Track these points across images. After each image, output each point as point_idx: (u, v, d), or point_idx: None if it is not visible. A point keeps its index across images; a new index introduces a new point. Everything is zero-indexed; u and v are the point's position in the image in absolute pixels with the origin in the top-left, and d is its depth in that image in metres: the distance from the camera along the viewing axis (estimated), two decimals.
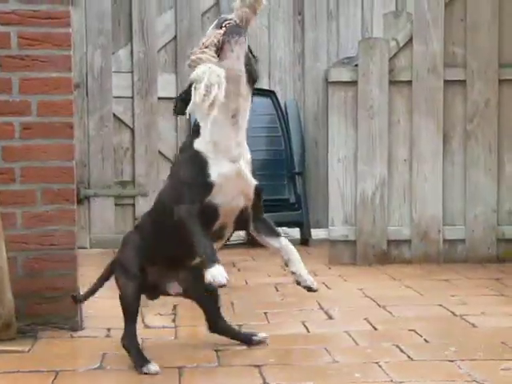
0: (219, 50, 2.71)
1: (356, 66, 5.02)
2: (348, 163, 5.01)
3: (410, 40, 4.94)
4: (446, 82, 4.92)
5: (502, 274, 4.61)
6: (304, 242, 5.85)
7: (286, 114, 5.99)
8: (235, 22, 2.75)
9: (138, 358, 2.87)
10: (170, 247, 2.86)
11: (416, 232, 4.97)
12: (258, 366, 2.88)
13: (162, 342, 3.27)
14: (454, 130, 4.98)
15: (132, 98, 5.99)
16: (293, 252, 2.90)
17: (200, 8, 6.05)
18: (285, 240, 2.92)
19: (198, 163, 2.76)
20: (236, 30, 2.73)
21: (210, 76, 2.60)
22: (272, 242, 2.92)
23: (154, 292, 3.08)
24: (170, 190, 2.86)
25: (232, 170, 2.77)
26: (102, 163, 5.97)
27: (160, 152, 6.05)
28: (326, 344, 3.16)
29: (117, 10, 5.98)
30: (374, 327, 3.43)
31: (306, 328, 3.43)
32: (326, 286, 4.36)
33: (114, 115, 5.98)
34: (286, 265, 2.91)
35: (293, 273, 2.88)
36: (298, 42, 6.20)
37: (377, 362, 2.90)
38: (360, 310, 3.74)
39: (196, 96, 2.60)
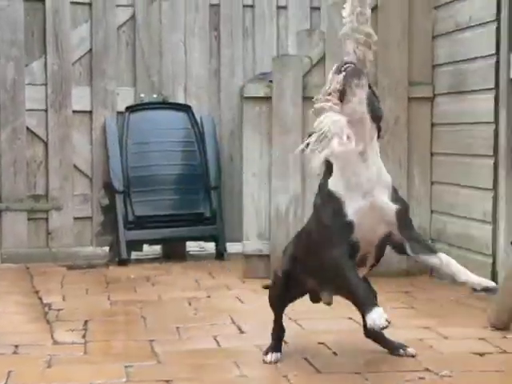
0: (342, 96, 2.82)
1: (271, 81, 5.08)
2: (262, 178, 5.06)
3: (323, 57, 5.02)
4: None
5: (411, 287, 4.72)
6: (219, 256, 5.86)
7: (202, 128, 6.01)
8: (354, 64, 2.87)
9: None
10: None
11: None
12: (167, 381, 2.88)
13: (71, 357, 3.24)
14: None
15: (46, 110, 5.91)
16: (454, 264, 2.94)
17: (116, 22, 6.02)
18: (444, 256, 2.97)
19: (335, 203, 2.88)
20: (356, 73, 2.83)
21: (332, 125, 2.77)
22: (432, 259, 2.96)
23: (313, 297, 3.24)
24: (315, 230, 2.99)
25: (365, 205, 2.86)
26: (15, 177, 5.88)
27: (75, 166, 5.99)
28: (235, 358, 3.17)
29: (30, 22, 5.91)
30: (284, 341, 3.46)
31: (217, 342, 3.44)
32: (240, 299, 4.39)
33: (27, 128, 5.89)
34: (454, 278, 2.95)
35: (464, 282, 2.94)
36: (214, 58, 6.23)
37: (285, 376, 2.94)
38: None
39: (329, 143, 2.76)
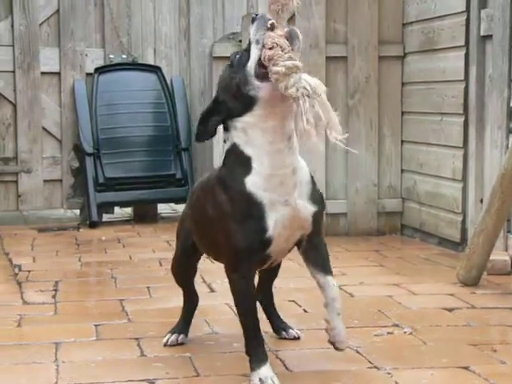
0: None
1: (240, 41, 5.04)
2: None
3: (293, 16, 4.98)
4: (328, 58, 5.00)
5: (381, 246, 4.75)
6: None
7: (172, 89, 5.96)
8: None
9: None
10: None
11: None
12: (137, 339, 2.88)
13: (41, 317, 3.23)
14: (335, 105, 5.02)
15: (13, 72, 5.84)
16: (335, 299, 2.52)
17: None
18: (332, 281, 2.52)
19: (253, 211, 2.33)
20: (296, 34, 2.34)
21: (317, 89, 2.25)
22: (318, 276, 2.52)
23: None
24: (218, 228, 2.45)
25: (288, 214, 2.37)
26: None
27: (44, 128, 5.93)
28: (206, 316, 3.18)
29: None
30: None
31: None
32: (210, 259, 4.38)
33: None
34: (325, 307, 2.55)
35: (326, 320, 2.55)
36: (183, 18, 6.17)
37: None
38: None
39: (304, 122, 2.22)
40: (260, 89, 2.33)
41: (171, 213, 6.24)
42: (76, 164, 5.84)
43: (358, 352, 2.74)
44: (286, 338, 2.87)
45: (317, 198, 2.47)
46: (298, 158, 2.44)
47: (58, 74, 5.93)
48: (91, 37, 6.03)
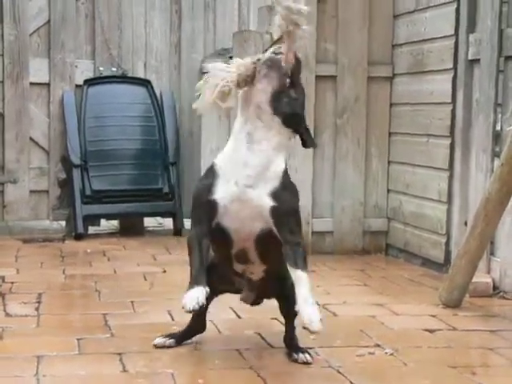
0: (251, 78, 2.72)
1: (231, 57, 5.05)
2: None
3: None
4: (318, 77, 5.02)
5: (366, 265, 4.76)
6: (177, 232, 5.85)
7: (162, 103, 5.97)
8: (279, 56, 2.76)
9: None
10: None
11: None
12: (119, 354, 2.88)
13: (23, 330, 3.22)
14: (324, 124, 5.09)
15: (2, 82, 5.83)
16: (302, 288, 2.64)
17: None
18: (301, 272, 2.67)
19: (211, 177, 2.75)
20: (272, 64, 2.74)
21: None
22: (291, 271, 2.70)
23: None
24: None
25: (234, 193, 2.70)
26: None
27: (31, 139, 5.92)
28: None
29: None
30: (238, 316, 3.48)
31: (171, 316, 3.45)
32: None
33: None
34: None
35: (296, 310, 2.65)
36: (174, 32, 6.19)
37: (237, 349, 2.95)
38: (226, 299, 3.73)
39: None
40: None
41: (158, 227, 6.24)
42: (63, 175, 5.84)
43: (339, 372, 2.75)
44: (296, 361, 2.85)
45: (281, 196, 2.71)
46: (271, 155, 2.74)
47: (48, 84, 5.93)
48: (81, 48, 6.03)
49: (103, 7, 6.03)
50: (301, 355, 2.85)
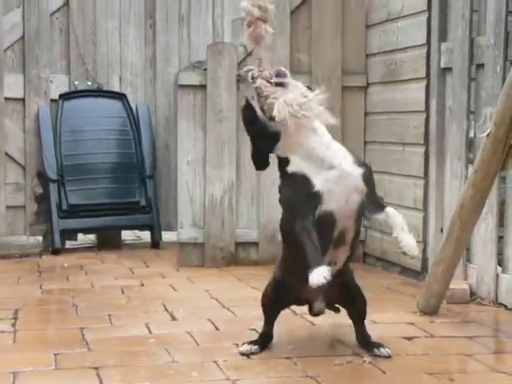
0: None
1: (205, 70, 5.07)
2: (197, 166, 5.05)
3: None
4: None
5: None
6: (155, 244, 5.84)
7: (137, 117, 5.97)
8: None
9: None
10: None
11: (263, 235, 5.06)
12: (96, 368, 2.87)
13: None
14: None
15: None
16: (395, 218, 2.93)
17: (49, 8, 5.92)
18: (390, 210, 2.96)
19: (299, 179, 2.87)
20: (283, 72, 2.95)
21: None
22: (379, 216, 2.96)
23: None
24: (284, 215, 2.99)
25: (333, 175, 2.85)
26: None
27: (7, 154, 5.88)
28: (166, 345, 3.17)
29: None
30: (216, 327, 3.47)
31: (149, 329, 3.43)
32: (173, 287, 4.38)
33: None
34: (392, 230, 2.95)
35: (395, 238, 2.92)
36: (149, 46, 6.19)
37: (215, 361, 2.95)
38: (204, 311, 3.77)
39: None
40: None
41: (135, 240, 6.23)
42: (39, 190, 5.81)
43: (317, 381, 2.74)
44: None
45: (360, 164, 2.95)
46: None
47: (23, 100, 5.90)
48: (56, 63, 6.01)
49: (78, 22, 6.02)
50: (382, 350, 3.03)
